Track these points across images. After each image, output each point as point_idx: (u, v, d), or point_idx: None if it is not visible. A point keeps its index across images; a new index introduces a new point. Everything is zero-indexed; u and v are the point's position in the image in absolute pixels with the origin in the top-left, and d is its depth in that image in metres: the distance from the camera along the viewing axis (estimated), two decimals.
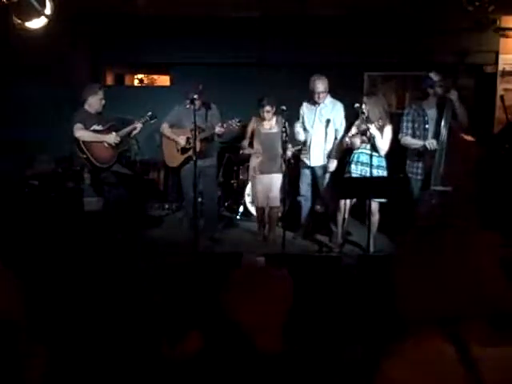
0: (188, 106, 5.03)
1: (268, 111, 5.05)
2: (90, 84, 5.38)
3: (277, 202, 5.20)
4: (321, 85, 5.01)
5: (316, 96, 5.05)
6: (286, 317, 1.45)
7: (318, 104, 5.12)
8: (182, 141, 5.21)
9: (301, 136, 5.24)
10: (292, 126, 5.16)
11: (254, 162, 5.28)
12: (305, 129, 5.24)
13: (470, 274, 1.14)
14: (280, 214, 5.51)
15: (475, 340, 1.09)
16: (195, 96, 4.81)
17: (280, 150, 5.05)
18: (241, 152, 5.54)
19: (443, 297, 1.14)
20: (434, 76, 4.67)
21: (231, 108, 5.74)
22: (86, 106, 5.15)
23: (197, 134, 4.78)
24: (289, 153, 5.05)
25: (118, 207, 5.30)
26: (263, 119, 5.13)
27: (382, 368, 1.10)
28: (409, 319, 1.19)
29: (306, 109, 5.25)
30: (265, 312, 1.40)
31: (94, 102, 5.13)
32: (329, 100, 5.15)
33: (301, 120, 5.27)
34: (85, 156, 5.11)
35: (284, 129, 4.88)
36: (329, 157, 5.17)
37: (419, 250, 1.21)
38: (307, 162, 5.27)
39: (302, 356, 1.41)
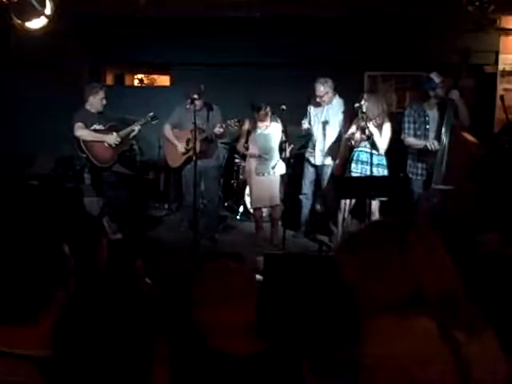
0: (188, 107, 5.03)
1: (264, 113, 5.04)
2: (92, 83, 5.39)
3: (278, 201, 5.20)
4: (322, 88, 5.04)
5: (318, 98, 5.10)
6: (251, 316, 1.42)
7: (324, 105, 5.16)
8: (180, 148, 5.21)
9: (306, 130, 5.30)
10: (291, 125, 5.17)
11: (251, 163, 5.28)
12: (310, 126, 5.29)
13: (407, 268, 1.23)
14: (279, 215, 5.52)
15: (450, 321, 1.17)
16: (195, 96, 4.81)
17: (277, 151, 5.09)
18: (239, 150, 5.53)
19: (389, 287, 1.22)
20: (435, 78, 4.66)
21: (231, 108, 5.74)
22: (87, 106, 5.16)
23: (197, 134, 4.79)
24: (287, 153, 5.06)
25: (117, 207, 5.30)
26: (258, 120, 5.12)
27: (366, 344, 1.17)
28: (363, 306, 1.28)
29: (312, 108, 5.29)
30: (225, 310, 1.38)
31: (95, 102, 5.14)
32: (336, 100, 5.17)
33: (308, 117, 5.31)
34: (85, 155, 5.12)
35: (283, 128, 4.88)
36: (330, 155, 5.20)
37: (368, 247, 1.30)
38: (312, 160, 5.30)
39: (275, 358, 1.37)
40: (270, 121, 5.14)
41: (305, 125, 5.30)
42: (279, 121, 5.08)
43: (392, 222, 1.34)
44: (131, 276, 1.60)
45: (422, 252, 1.24)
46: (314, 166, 5.31)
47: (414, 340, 1.14)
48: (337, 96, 5.19)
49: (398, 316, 1.17)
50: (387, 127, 4.72)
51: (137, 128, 5.26)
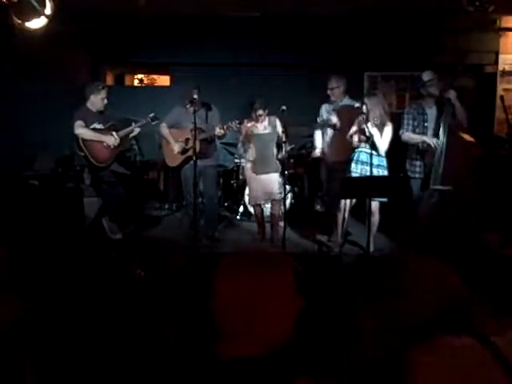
0: (188, 106, 5.03)
1: (260, 114, 5.05)
2: (95, 82, 5.38)
3: (276, 196, 5.21)
4: (333, 81, 5.14)
5: (328, 91, 5.17)
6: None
7: (335, 103, 5.21)
8: (176, 148, 5.23)
9: (317, 143, 5.39)
10: (291, 125, 5.18)
11: (248, 163, 5.29)
12: (322, 128, 5.34)
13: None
14: (281, 213, 5.52)
15: (486, 329, 1.13)
16: (195, 96, 4.81)
17: (274, 151, 5.11)
18: (239, 149, 5.56)
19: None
20: (424, 76, 4.72)
21: (231, 108, 5.75)
22: (89, 104, 5.16)
23: (196, 134, 4.79)
24: (283, 153, 5.08)
25: (117, 207, 5.29)
26: (256, 121, 5.13)
27: (415, 367, 1.10)
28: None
29: (324, 109, 5.35)
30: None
31: (97, 101, 5.13)
32: (347, 100, 5.21)
33: (320, 116, 5.35)
34: (83, 154, 5.11)
35: (283, 129, 4.89)
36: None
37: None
38: (325, 158, 5.38)
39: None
40: (268, 121, 5.12)
41: (317, 150, 5.41)
42: (278, 121, 5.07)
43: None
44: (125, 266, 1.59)
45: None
46: (327, 163, 5.38)
47: (467, 371, 1.08)
48: (347, 96, 5.24)
49: (442, 345, 1.12)
50: (388, 129, 4.71)
51: (137, 129, 5.26)
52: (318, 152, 5.43)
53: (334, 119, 5.11)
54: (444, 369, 1.09)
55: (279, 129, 5.06)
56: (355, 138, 4.77)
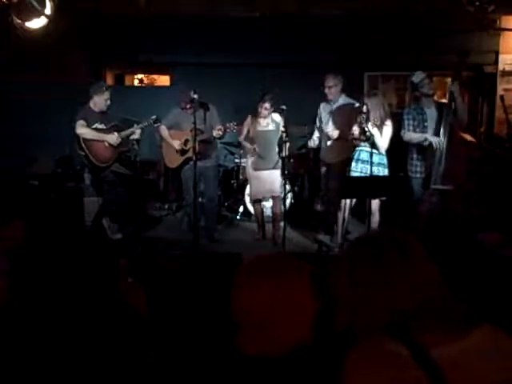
0: (189, 106, 5.03)
1: (266, 108, 5.08)
2: (98, 83, 5.37)
3: (278, 193, 5.21)
4: (330, 80, 5.10)
5: (326, 90, 5.14)
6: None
7: (332, 102, 5.19)
8: (176, 145, 5.23)
9: (316, 143, 5.39)
10: (291, 125, 5.19)
11: (250, 159, 5.31)
12: (320, 128, 5.32)
13: (412, 280, 1.18)
14: (281, 212, 5.52)
15: (430, 340, 1.10)
16: (195, 96, 4.81)
17: (276, 148, 5.12)
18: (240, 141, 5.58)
19: (388, 302, 1.17)
20: (414, 78, 4.73)
21: (231, 108, 5.75)
22: (91, 104, 5.15)
23: (195, 135, 4.78)
24: (286, 151, 5.09)
25: (117, 207, 5.30)
26: (259, 116, 5.14)
27: (346, 364, 1.11)
28: (356, 326, 1.20)
29: (322, 108, 5.34)
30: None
31: (100, 102, 5.13)
32: (342, 99, 5.20)
33: (318, 115, 5.34)
34: (84, 153, 5.11)
35: (284, 128, 4.90)
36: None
37: (360, 258, 1.24)
38: (323, 159, 5.36)
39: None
40: (272, 119, 5.15)
41: (312, 141, 5.41)
42: (281, 119, 5.07)
43: (375, 237, 1.32)
44: (112, 274, 1.56)
45: (399, 267, 1.19)
46: (325, 164, 5.36)
47: (386, 375, 1.08)
48: (343, 95, 5.22)
49: (371, 347, 1.13)
50: (388, 128, 4.72)
51: (137, 131, 5.24)
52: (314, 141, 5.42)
53: (330, 130, 5.13)
54: (368, 371, 1.09)
55: (281, 127, 5.07)
56: (356, 138, 4.77)
